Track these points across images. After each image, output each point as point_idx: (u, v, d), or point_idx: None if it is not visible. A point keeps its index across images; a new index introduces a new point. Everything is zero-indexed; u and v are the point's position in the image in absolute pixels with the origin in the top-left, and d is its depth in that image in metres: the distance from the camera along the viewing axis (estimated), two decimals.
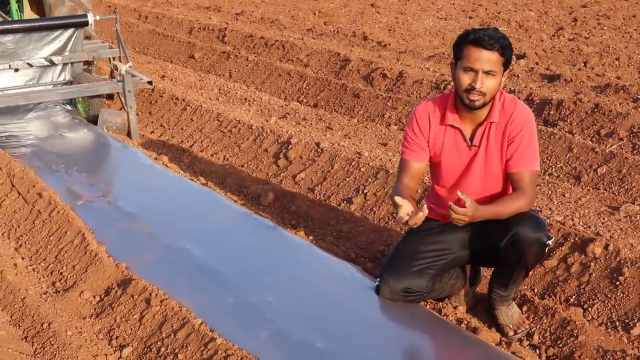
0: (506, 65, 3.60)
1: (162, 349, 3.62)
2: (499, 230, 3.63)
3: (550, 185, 5.35)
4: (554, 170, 5.60)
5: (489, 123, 3.69)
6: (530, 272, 3.96)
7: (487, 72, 3.53)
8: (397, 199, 3.53)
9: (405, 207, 3.48)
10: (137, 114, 7.52)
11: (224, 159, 6.64)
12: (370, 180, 5.49)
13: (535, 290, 4.17)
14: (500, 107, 3.68)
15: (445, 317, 3.89)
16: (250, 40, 10.39)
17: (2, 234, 5.14)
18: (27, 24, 7.68)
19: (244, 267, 4.33)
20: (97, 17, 7.87)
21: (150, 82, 7.49)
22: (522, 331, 3.81)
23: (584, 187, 5.33)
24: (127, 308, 3.97)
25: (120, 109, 7.60)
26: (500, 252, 3.67)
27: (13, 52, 7.53)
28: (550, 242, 3.69)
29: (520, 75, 7.57)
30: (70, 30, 7.72)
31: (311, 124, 7.13)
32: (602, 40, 9.32)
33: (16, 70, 7.54)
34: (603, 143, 5.79)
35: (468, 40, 3.55)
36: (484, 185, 3.78)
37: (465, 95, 3.60)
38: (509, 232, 3.60)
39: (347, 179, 5.63)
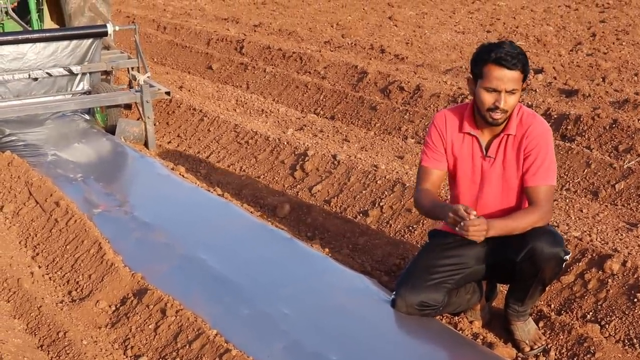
0: (525, 79, 3.60)
1: None
2: (516, 245, 3.61)
3: (567, 200, 5.32)
4: (571, 185, 5.57)
5: (506, 135, 3.69)
6: (547, 288, 3.94)
7: (510, 91, 3.53)
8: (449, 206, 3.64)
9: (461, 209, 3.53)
10: (155, 124, 7.55)
11: (240, 170, 6.65)
12: (386, 193, 5.48)
13: (552, 306, 4.14)
14: (518, 120, 3.68)
15: (461, 331, 3.88)
16: (267, 52, 10.42)
17: (20, 242, 5.16)
18: (47, 34, 7.74)
19: (259, 278, 4.33)
20: (117, 28, 7.93)
21: (168, 93, 7.53)
22: (539, 347, 3.79)
23: (601, 202, 5.30)
24: (142, 318, 3.97)
25: (138, 119, 7.63)
26: (516, 266, 3.65)
27: (33, 62, 7.59)
28: (567, 257, 3.67)
29: (538, 90, 7.55)
30: (90, 40, 7.77)
31: (328, 136, 7.14)
32: (620, 55, 9.28)
33: (35, 79, 7.60)
34: (621, 159, 5.76)
35: (489, 59, 3.52)
36: (501, 198, 3.77)
37: (488, 114, 3.60)
38: (526, 247, 3.58)
39: (364, 192, 5.63)
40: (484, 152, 3.75)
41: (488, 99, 3.56)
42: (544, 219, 3.63)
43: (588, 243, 4.40)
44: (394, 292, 3.89)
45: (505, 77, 3.50)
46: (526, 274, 3.66)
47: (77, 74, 7.78)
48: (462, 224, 3.46)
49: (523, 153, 3.66)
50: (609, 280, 4.08)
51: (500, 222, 3.57)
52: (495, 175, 3.74)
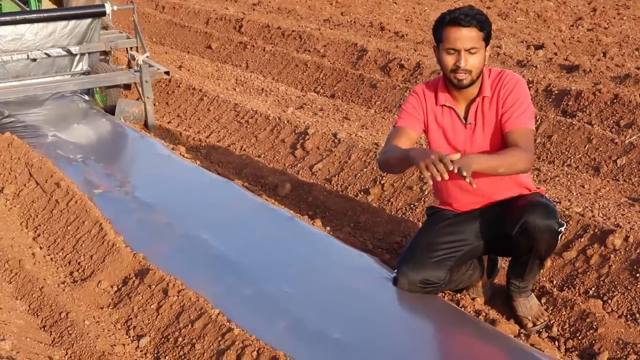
0: (487, 39, 3.61)
1: (180, 339, 3.62)
2: (511, 219, 3.62)
3: (569, 176, 5.31)
4: (572, 161, 5.56)
5: (482, 98, 3.69)
6: (545, 262, 3.94)
7: (469, 50, 3.54)
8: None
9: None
10: (154, 104, 7.52)
11: (241, 149, 6.64)
12: None
13: (554, 282, 4.14)
14: (490, 81, 3.69)
15: (463, 308, 3.88)
16: (267, 31, 10.37)
17: (21, 224, 5.16)
18: (45, 14, 7.70)
19: (261, 257, 4.33)
20: (115, 7, 7.88)
21: (167, 72, 7.50)
22: (541, 323, 3.79)
23: (603, 178, 5.29)
24: (144, 298, 3.97)
25: (138, 99, 7.60)
26: (512, 241, 3.65)
27: (31, 42, 7.56)
28: (562, 229, 3.66)
29: (538, 66, 7.52)
30: (88, 20, 7.73)
31: (328, 114, 7.11)
32: (621, 30, 9.23)
33: (34, 60, 7.57)
34: (622, 134, 5.74)
35: (445, 22, 3.57)
36: None
37: (452, 75, 3.62)
38: (519, 220, 3.57)
39: (364, 170, 5.62)
40: (464, 121, 3.74)
41: (449, 60, 3.59)
42: (528, 160, 3.55)
43: (590, 219, 4.39)
44: (396, 270, 3.89)
45: (462, 36, 3.53)
46: (522, 248, 3.66)
47: (75, 55, 7.74)
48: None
49: (502, 104, 3.65)
50: (611, 255, 4.07)
51: (482, 157, 3.49)
52: (481, 141, 3.71)
